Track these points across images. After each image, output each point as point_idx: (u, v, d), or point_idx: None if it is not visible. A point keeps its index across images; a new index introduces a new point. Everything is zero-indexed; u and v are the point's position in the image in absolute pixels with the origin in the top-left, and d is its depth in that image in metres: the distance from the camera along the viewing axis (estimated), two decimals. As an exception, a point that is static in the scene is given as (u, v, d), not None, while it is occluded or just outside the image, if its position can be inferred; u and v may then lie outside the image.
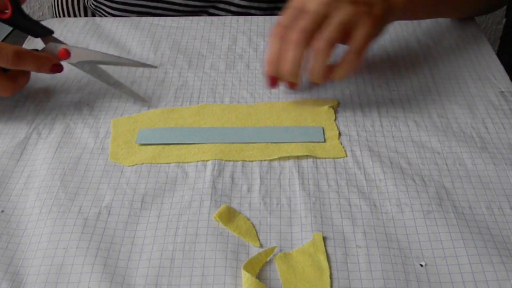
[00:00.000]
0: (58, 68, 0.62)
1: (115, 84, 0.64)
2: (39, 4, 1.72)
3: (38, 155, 0.58)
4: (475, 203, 0.51)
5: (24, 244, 0.49)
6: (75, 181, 0.54)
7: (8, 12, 0.60)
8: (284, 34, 0.58)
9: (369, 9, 0.58)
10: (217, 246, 0.48)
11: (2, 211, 0.52)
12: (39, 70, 0.60)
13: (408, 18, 0.73)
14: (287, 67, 0.58)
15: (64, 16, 0.96)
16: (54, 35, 0.63)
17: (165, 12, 0.84)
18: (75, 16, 0.94)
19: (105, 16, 0.86)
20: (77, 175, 0.55)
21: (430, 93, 0.65)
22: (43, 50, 0.62)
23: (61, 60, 0.62)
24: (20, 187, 0.54)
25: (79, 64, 0.63)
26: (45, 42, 0.62)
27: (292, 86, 0.65)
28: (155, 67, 0.65)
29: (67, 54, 0.62)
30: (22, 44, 0.72)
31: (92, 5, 0.87)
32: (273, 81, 0.62)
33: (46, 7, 1.72)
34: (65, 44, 0.62)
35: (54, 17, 0.99)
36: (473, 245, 0.47)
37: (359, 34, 0.57)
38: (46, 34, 0.62)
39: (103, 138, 0.59)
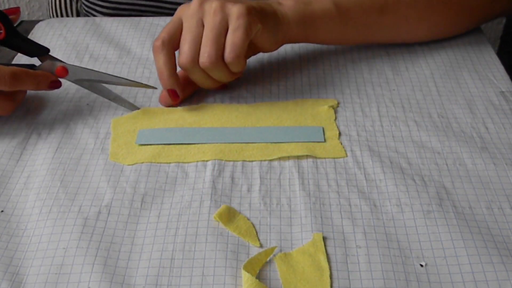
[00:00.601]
0: (57, 84, 0.61)
1: (116, 99, 0.63)
2: (38, 4, 1.72)
3: (38, 155, 0.57)
4: (475, 203, 0.51)
5: (24, 244, 0.49)
6: (75, 181, 0.54)
7: (1, 33, 0.59)
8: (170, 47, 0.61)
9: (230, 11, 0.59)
10: (217, 246, 0.48)
11: (2, 211, 0.52)
12: (37, 88, 0.60)
13: (311, 39, 0.69)
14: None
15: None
16: (54, 36, 0.63)
17: (161, 11, 0.83)
18: None
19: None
20: (77, 175, 0.55)
21: (430, 93, 0.65)
22: (40, 67, 0.61)
23: (59, 78, 0.61)
24: (20, 187, 0.54)
25: (78, 82, 0.62)
26: (41, 60, 0.62)
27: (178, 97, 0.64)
28: (155, 88, 0.63)
29: (65, 72, 0.61)
30: (14, 57, 0.71)
31: (84, 9, 0.87)
32: (174, 93, 0.62)
33: (46, 7, 1.72)
34: (63, 62, 0.62)
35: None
36: (473, 245, 0.47)
37: (230, 39, 0.59)
38: (42, 53, 0.61)
39: (103, 139, 0.59)
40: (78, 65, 0.63)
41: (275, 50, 0.66)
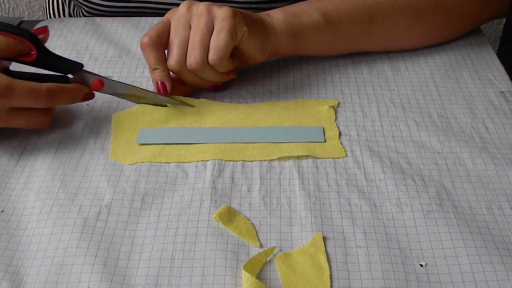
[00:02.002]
0: (90, 96, 0.61)
1: (163, 102, 0.63)
2: (39, 4, 1.72)
3: (38, 155, 0.57)
4: (475, 203, 0.51)
5: (24, 244, 0.49)
6: (75, 181, 0.54)
7: (33, 54, 0.58)
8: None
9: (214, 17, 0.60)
10: (217, 246, 0.48)
11: (2, 211, 0.52)
12: (71, 102, 0.59)
13: (302, 50, 0.69)
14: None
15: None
16: (54, 36, 0.62)
17: (159, 12, 0.83)
18: None
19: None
20: (77, 175, 0.55)
21: (430, 93, 0.65)
22: (74, 80, 0.60)
23: (93, 91, 0.61)
24: (20, 187, 0.54)
25: (111, 94, 0.62)
26: (75, 75, 0.61)
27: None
28: (193, 106, 0.63)
29: (101, 85, 0.60)
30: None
31: (83, 14, 0.87)
32: (163, 86, 0.62)
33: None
34: (97, 75, 0.61)
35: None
36: (473, 245, 0.47)
37: (214, 41, 0.59)
38: (76, 70, 0.60)
39: (103, 139, 0.59)
40: (112, 78, 0.62)
41: (262, 60, 0.66)
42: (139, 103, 0.63)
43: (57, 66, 0.60)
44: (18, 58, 0.58)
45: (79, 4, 0.84)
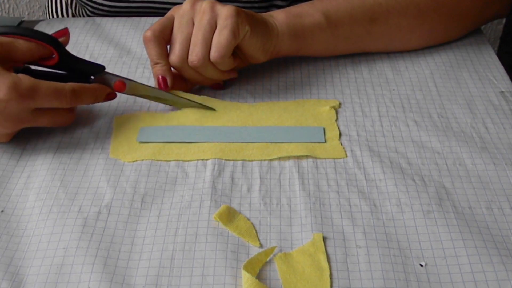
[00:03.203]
0: (112, 96, 0.61)
1: (185, 104, 0.63)
2: (39, 4, 1.72)
3: (38, 155, 0.58)
4: (475, 203, 0.51)
5: (24, 244, 0.49)
6: (75, 181, 0.54)
7: (55, 57, 0.58)
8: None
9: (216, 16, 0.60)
10: (217, 246, 0.48)
11: (2, 211, 0.52)
12: (94, 102, 0.60)
13: (302, 51, 0.69)
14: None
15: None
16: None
17: (163, 12, 0.83)
18: None
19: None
20: (77, 175, 0.55)
21: (430, 93, 0.65)
22: (95, 80, 0.60)
23: (115, 91, 0.61)
24: (20, 187, 0.54)
25: (133, 95, 0.62)
26: (97, 76, 0.60)
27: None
28: (214, 109, 0.63)
29: (123, 87, 0.61)
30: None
31: (87, 13, 0.87)
32: (164, 80, 0.62)
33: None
34: (120, 76, 0.61)
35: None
36: (473, 245, 0.47)
37: (216, 39, 0.59)
38: (98, 72, 0.60)
39: (103, 138, 0.59)
40: (135, 80, 0.62)
41: (264, 60, 0.66)
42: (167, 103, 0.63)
43: (79, 69, 0.60)
44: (39, 62, 0.58)
45: (82, 3, 0.84)
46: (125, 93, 0.62)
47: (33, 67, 0.59)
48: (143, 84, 0.62)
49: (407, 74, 0.69)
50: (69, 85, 0.56)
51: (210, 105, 0.63)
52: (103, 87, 0.60)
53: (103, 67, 0.60)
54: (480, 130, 0.60)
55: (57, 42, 0.58)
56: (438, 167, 0.55)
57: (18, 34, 0.56)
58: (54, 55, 0.58)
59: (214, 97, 0.65)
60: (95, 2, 0.81)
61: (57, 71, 0.59)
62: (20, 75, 0.54)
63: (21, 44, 0.56)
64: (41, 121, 0.57)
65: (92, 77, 0.60)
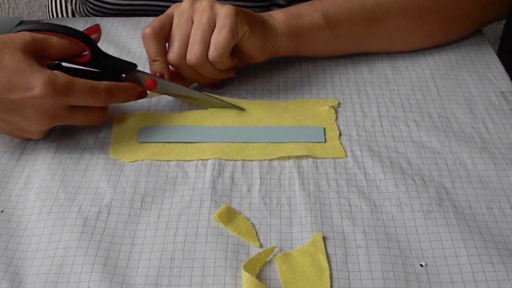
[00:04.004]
0: (143, 95, 0.61)
1: (215, 105, 0.63)
2: (38, 4, 1.72)
3: (38, 155, 0.57)
4: (475, 203, 0.51)
5: (24, 244, 0.49)
6: (75, 181, 0.54)
7: (87, 54, 0.58)
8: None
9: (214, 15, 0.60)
10: (217, 246, 0.48)
11: (2, 211, 0.52)
12: (126, 101, 0.60)
13: (302, 51, 0.69)
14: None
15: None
16: None
17: (162, 10, 0.83)
18: None
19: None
20: (77, 175, 0.55)
21: (430, 93, 0.65)
22: (125, 78, 0.60)
23: (146, 90, 0.61)
24: (20, 187, 0.54)
25: (164, 93, 0.62)
26: (128, 74, 0.60)
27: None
28: (243, 109, 0.63)
29: (154, 85, 0.61)
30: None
31: (86, 12, 0.87)
32: (162, 77, 0.63)
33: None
34: (151, 74, 0.61)
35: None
36: (473, 245, 0.47)
37: (215, 38, 0.60)
38: (130, 69, 0.60)
39: (103, 138, 0.59)
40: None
41: (263, 60, 0.66)
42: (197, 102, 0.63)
43: (111, 66, 0.60)
44: (72, 59, 0.58)
45: (84, 1, 0.83)
46: (155, 92, 0.62)
47: (64, 64, 0.58)
48: (175, 83, 0.62)
49: (407, 74, 0.69)
50: (104, 83, 0.56)
51: (209, 110, 0.63)
52: (135, 85, 0.60)
53: (135, 65, 0.60)
54: (480, 130, 0.60)
55: (90, 39, 0.58)
56: (438, 167, 0.55)
57: (51, 31, 0.56)
58: (86, 52, 0.58)
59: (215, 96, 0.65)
60: (97, 0, 0.81)
61: (88, 69, 0.59)
62: (56, 72, 0.54)
63: (55, 41, 0.56)
64: (75, 119, 0.57)
65: (123, 75, 0.60)
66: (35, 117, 0.53)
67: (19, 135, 0.57)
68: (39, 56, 0.55)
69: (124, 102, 0.60)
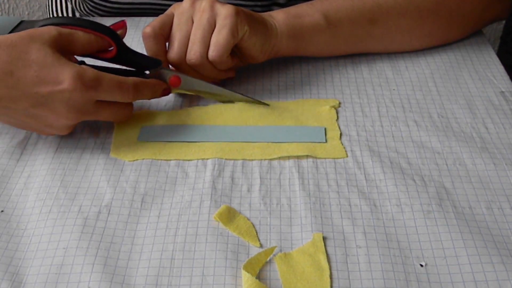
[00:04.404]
0: (167, 92, 0.61)
1: (240, 99, 0.63)
2: (38, 4, 1.72)
3: (38, 155, 0.57)
4: (475, 203, 0.51)
5: (24, 244, 0.49)
6: (75, 181, 0.54)
7: (112, 49, 0.58)
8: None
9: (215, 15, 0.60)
10: (217, 246, 0.48)
11: (2, 211, 0.52)
12: (151, 97, 0.59)
13: (302, 51, 0.69)
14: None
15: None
16: None
17: (163, 10, 0.83)
18: None
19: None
20: (77, 175, 0.55)
21: (430, 93, 0.65)
22: (149, 75, 0.60)
23: (170, 87, 0.61)
24: (20, 187, 0.54)
25: (187, 90, 0.62)
26: (152, 70, 0.60)
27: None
28: (268, 105, 0.63)
29: (178, 82, 0.60)
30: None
31: (86, 11, 0.87)
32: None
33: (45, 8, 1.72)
34: (175, 71, 0.61)
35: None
36: (473, 245, 0.47)
37: (215, 38, 0.60)
38: (155, 66, 0.60)
39: (103, 138, 0.59)
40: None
41: (263, 60, 0.66)
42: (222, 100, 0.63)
43: (136, 62, 0.59)
44: (97, 54, 0.58)
45: (84, 0, 0.83)
46: (179, 89, 0.62)
47: (87, 61, 0.58)
48: (198, 80, 0.62)
49: (407, 74, 0.69)
50: (131, 79, 0.56)
51: (210, 110, 0.63)
52: (160, 82, 0.60)
53: (160, 62, 0.60)
54: (480, 130, 0.60)
55: (116, 34, 0.58)
56: (438, 167, 0.55)
57: (77, 26, 0.56)
58: (112, 48, 0.58)
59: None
60: None
61: (112, 67, 0.59)
62: (84, 66, 0.54)
63: (81, 36, 0.56)
64: (102, 114, 0.56)
65: (147, 72, 0.60)
66: (63, 112, 0.53)
67: (46, 131, 0.57)
68: (65, 50, 0.54)
69: (149, 98, 0.60)
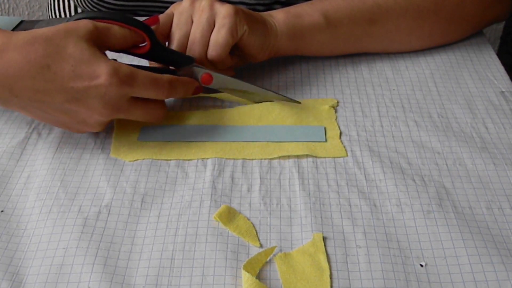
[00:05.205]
0: (199, 90, 0.60)
1: (274, 98, 0.62)
2: (38, 4, 1.72)
3: (38, 155, 0.57)
4: (475, 203, 0.51)
5: (24, 244, 0.49)
6: (75, 181, 0.54)
7: (146, 45, 0.57)
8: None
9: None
10: (217, 246, 0.48)
11: (2, 211, 0.52)
12: (184, 95, 0.59)
13: (303, 50, 0.69)
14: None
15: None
16: None
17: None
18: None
19: None
20: (77, 175, 0.55)
21: (430, 93, 0.65)
22: (180, 73, 0.59)
23: (202, 85, 0.60)
24: (20, 187, 0.54)
25: (219, 89, 0.62)
26: (183, 68, 0.60)
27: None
28: (299, 102, 0.63)
29: (210, 79, 0.60)
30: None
31: (89, 5, 0.87)
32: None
33: (46, 8, 1.72)
34: (207, 69, 0.60)
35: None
36: (473, 245, 0.47)
37: (214, 38, 0.60)
38: (188, 63, 0.59)
39: (103, 138, 0.59)
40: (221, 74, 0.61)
41: (262, 59, 0.66)
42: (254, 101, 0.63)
43: (169, 58, 0.59)
44: (131, 50, 0.58)
45: None
46: (211, 87, 0.61)
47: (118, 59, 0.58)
48: (231, 77, 0.61)
49: (407, 74, 0.69)
50: (166, 76, 0.56)
51: (211, 110, 0.63)
52: (193, 80, 0.59)
53: (193, 59, 0.60)
54: (480, 130, 0.60)
55: (151, 29, 0.57)
56: (438, 167, 0.55)
57: (112, 20, 0.56)
58: (145, 43, 0.57)
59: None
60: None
61: (139, 65, 0.58)
62: (119, 62, 0.53)
63: (116, 30, 0.55)
64: (135, 112, 0.56)
65: (178, 69, 0.60)
66: (98, 107, 0.53)
67: (78, 128, 0.56)
68: (100, 45, 0.54)
69: (182, 97, 0.59)
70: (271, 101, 0.63)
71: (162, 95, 0.56)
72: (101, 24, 0.55)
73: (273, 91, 0.63)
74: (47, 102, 0.52)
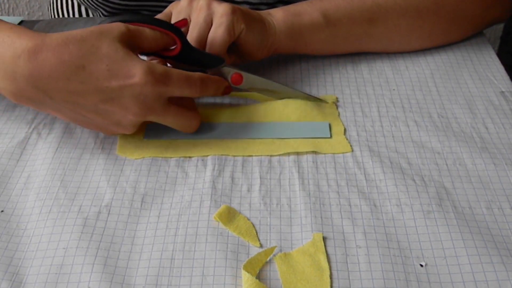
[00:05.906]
0: (229, 91, 0.60)
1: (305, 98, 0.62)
2: (38, 4, 1.72)
3: (38, 155, 0.57)
4: (475, 203, 0.51)
5: (24, 244, 0.49)
6: (75, 181, 0.54)
7: (177, 47, 0.57)
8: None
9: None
10: (217, 246, 0.48)
11: (2, 211, 0.52)
12: (215, 94, 0.59)
13: (301, 49, 0.69)
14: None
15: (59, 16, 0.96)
16: None
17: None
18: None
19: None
20: (77, 175, 0.55)
21: (430, 93, 0.65)
22: (210, 73, 0.59)
23: (232, 85, 0.60)
24: (20, 187, 0.54)
25: (249, 89, 0.62)
26: (213, 69, 0.60)
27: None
28: (327, 102, 0.63)
29: (240, 79, 0.60)
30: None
31: (93, 5, 0.87)
32: None
33: (46, 7, 1.72)
34: (237, 69, 0.60)
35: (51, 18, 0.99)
36: (473, 245, 0.47)
37: (211, 37, 0.60)
38: (217, 63, 0.59)
39: (103, 138, 0.59)
40: (252, 73, 0.61)
41: (261, 58, 0.66)
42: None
43: (199, 60, 0.59)
44: (162, 52, 0.58)
45: None
46: (240, 87, 0.61)
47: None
48: (261, 77, 0.61)
49: (407, 74, 0.69)
50: (198, 74, 0.56)
51: (214, 108, 0.63)
52: (223, 80, 0.59)
53: (223, 60, 0.60)
54: (480, 130, 0.60)
55: (181, 32, 0.57)
56: (438, 167, 0.55)
57: (144, 22, 0.56)
58: (176, 45, 0.57)
59: (215, 97, 0.65)
60: None
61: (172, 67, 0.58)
62: (153, 62, 0.54)
63: (148, 33, 0.55)
64: (168, 116, 0.56)
65: (208, 70, 0.60)
66: (133, 107, 0.53)
67: (111, 130, 0.56)
68: (133, 46, 0.54)
69: (213, 95, 0.59)
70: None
71: (195, 92, 0.56)
72: (133, 26, 0.55)
73: (302, 91, 0.63)
74: (81, 104, 0.52)
